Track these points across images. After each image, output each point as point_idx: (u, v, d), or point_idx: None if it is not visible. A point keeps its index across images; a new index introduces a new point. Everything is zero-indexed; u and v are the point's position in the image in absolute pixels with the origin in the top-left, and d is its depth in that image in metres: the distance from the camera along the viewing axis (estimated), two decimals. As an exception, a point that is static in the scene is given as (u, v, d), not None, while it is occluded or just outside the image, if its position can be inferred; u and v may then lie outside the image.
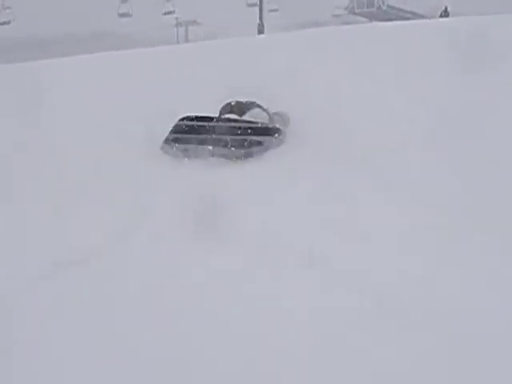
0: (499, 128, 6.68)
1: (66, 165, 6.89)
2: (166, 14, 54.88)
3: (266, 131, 6.92)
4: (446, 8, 32.49)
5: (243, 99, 7.41)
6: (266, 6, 55.06)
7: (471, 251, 4.23)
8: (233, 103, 7.34)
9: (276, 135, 7.02)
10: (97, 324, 3.70)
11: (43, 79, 12.35)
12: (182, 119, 7.04)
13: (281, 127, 7.19)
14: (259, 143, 6.89)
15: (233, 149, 6.79)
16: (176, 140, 6.89)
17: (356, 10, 61.44)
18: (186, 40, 63.49)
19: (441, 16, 31.59)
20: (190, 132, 6.92)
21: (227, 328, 3.53)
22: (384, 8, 59.26)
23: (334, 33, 17.57)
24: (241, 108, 7.25)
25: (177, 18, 68.47)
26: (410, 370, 3.17)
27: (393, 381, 3.14)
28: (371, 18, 57.64)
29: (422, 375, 3.15)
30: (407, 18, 39.40)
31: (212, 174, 6.28)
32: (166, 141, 6.95)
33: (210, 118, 7.03)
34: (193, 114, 7.10)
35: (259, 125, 6.96)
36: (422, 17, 45.32)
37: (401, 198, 5.18)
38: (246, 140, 6.80)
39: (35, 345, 3.53)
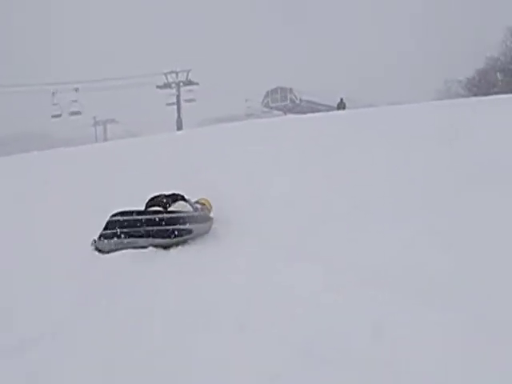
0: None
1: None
2: (72, 114, 54.57)
3: (194, 219, 7.14)
4: (341, 99, 34.03)
5: (166, 192, 7.62)
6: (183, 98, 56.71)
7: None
8: (157, 197, 7.54)
9: (204, 222, 7.26)
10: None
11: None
12: (114, 215, 7.18)
13: (207, 214, 7.46)
14: (189, 231, 7.07)
15: (163, 239, 6.95)
16: (109, 236, 7.01)
17: (271, 104, 64.06)
18: (105, 138, 64.00)
19: (338, 107, 32.86)
20: (122, 227, 7.05)
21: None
22: (297, 102, 62.09)
23: (249, 126, 18.22)
24: (165, 201, 7.44)
25: (94, 117, 69.19)
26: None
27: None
28: (286, 111, 60.07)
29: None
30: (321, 110, 41.14)
31: (144, 265, 6.38)
32: (100, 237, 7.06)
33: (139, 212, 7.20)
34: (123, 209, 7.23)
35: (186, 214, 7.16)
36: (334, 108, 47.56)
37: (324, 269, 5.46)
38: (175, 229, 6.98)
39: None
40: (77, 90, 52.10)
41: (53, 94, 51.45)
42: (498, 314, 4.33)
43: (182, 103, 55.54)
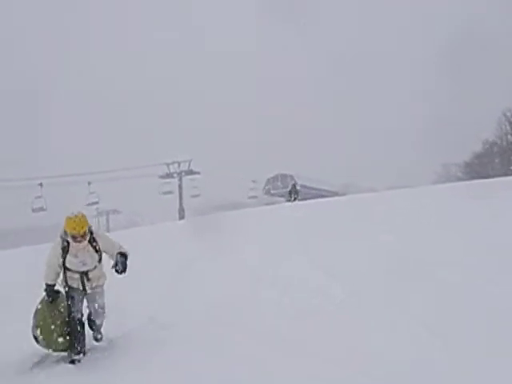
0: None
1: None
2: (89, 204, 54.15)
3: None
4: (294, 185, 34.13)
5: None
6: (188, 192, 57.13)
7: None
8: None
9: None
10: None
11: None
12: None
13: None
14: None
15: None
16: None
17: (272, 191, 64.55)
18: (108, 228, 64.16)
19: (290, 192, 32.82)
20: None
21: None
22: (298, 188, 62.56)
23: (250, 213, 18.40)
24: None
25: (97, 208, 69.57)
26: None
27: None
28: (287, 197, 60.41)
29: None
30: (322, 196, 41.35)
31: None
32: None
33: None
34: None
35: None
36: (335, 193, 47.91)
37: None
38: None
39: None
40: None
41: (40, 185, 50.11)
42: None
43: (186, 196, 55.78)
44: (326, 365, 5.31)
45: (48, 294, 6.96)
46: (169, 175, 55.31)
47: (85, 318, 7.15)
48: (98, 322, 7.18)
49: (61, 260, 6.91)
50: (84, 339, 6.98)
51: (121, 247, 7.21)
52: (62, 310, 7.02)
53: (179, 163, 55.28)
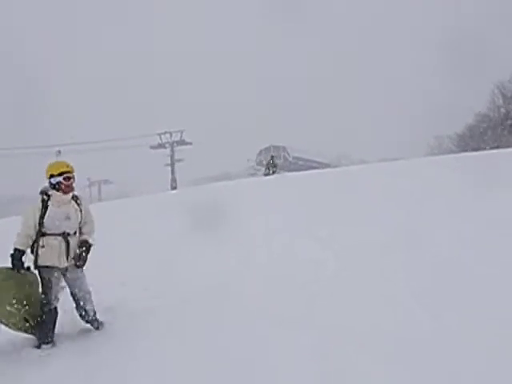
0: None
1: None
2: None
3: None
4: (272, 157, 33.86)
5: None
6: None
7: None
8: None
9: None
10: None
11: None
12: None
13: None
14: None
15: None
16: None
17: (264, 162, 64.73)
18: (99, 199, 64.03)
19: (267, 164, 32.53)
20: None
21: None
22: (290, 159, 62.62)
23: (243, 184, 18.35)
24: None
25: (89, 178, 69.38)
26: None
27: None
28: (280, 168, 60.53)
29: None
30: (314, 167, 41.34)
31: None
32: None
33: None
34: None
35: None
36: (327, 165, 47.99)
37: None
38: None
39: None
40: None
41: (59, 152, 49.76)
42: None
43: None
44: (322, 341, 5.27)
45: (13, 261, 5.97)
46: (160, 145, 55.02)
47: (73, 307, 6.39)
48: (88, 307, 6.34)
49: (38, 215, 5.99)
50: (55, 327, 6.17)
51: (91, 231, 6.43)
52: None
53: (171, 133, 55.01)
